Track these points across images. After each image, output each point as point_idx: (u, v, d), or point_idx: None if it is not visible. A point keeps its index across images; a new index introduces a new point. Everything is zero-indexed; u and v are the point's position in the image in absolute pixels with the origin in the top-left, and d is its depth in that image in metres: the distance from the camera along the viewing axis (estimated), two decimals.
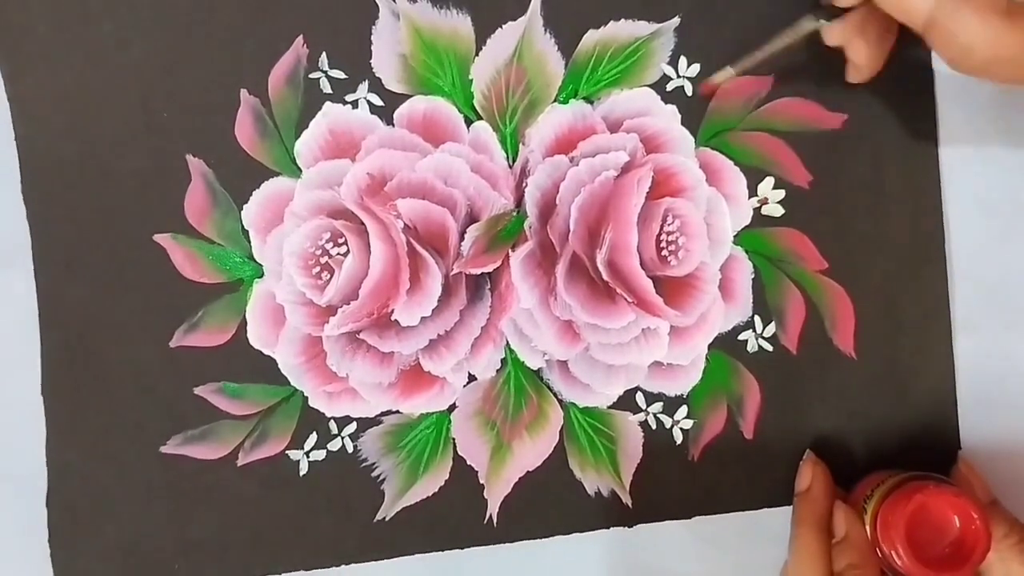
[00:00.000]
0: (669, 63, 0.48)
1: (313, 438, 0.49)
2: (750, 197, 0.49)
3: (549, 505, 0.49)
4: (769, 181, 0.49)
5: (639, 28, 0.48)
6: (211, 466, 0.48)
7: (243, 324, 0.48)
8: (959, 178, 0.50)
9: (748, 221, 0.49)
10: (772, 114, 0.49)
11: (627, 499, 0.49)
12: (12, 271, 0.48)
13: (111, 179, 0.48)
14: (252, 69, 0.48)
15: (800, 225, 0.49)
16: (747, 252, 0.49)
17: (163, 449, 0.48)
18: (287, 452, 0.48)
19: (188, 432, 0.48)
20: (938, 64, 0.49)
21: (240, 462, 0.48)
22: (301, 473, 0.49)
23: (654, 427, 0.49)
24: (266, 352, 0.48)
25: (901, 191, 0.49)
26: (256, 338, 0.48)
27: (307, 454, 0.48)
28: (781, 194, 0.49)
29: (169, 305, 0.48)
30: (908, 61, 0.48)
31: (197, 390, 0.48)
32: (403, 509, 0.49)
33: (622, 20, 0.48)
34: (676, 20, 0.48)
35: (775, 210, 0.49)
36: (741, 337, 0.49)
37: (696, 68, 0.48)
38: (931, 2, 0.40)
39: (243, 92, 0.48)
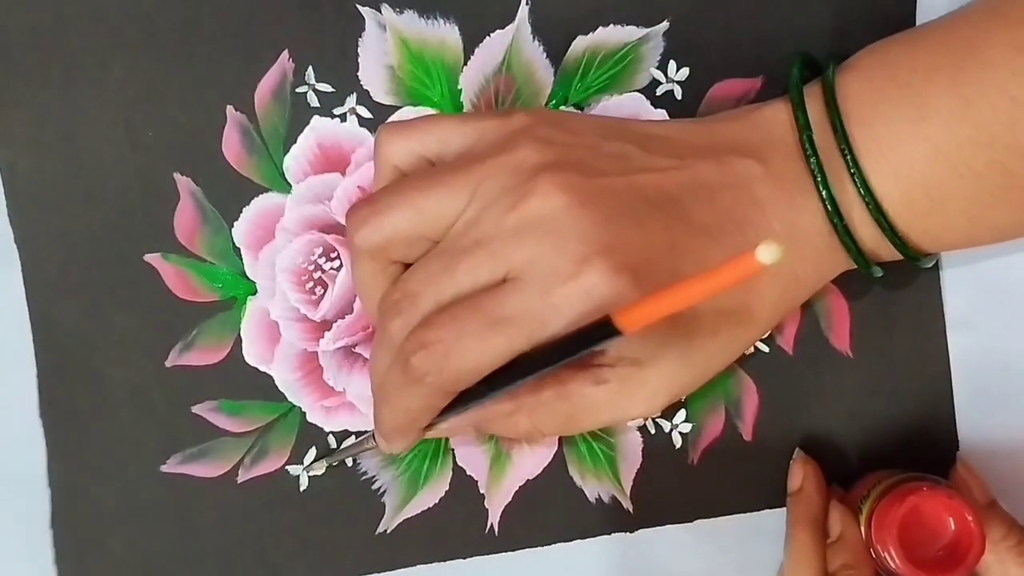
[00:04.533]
0: (658, 67, 0.50)
1: (312, 453, 0.51)
2: None
3: (550, 513, 0.51)
4: None
5: (628, 33, 0.50)
6: (212, 484, 0.50)
7: (238, 341, 0.50)
8: None
9: None
10: None
11: (628, 504, 0.52)
12: (13, 269, 0.49)
13: (98, 201, 0.49)
14: (237, 85, 0.49)
15: None
16: None
17: (163, 468, 0.50)
18: (287, 467, 0.51)
19: (187, 450, 0.50)
20: None
21: (240, 479, 0.50)
22: (301, 488, 0.51)
23: (653, 432, 0.52)
24: (262, 369, 0.50)
25: None
26: (252, 355, 0.50)
27: (307, 469, 0.51)
28: None
29: (163, 325, 0.50)
30: None
31: (195, 408, 0.50)
32: (404, 521, 0.51)
33: (611, 25, 0.50)
34: (665, 24, 0.50)
35: None
36: None
37: (686, 72, 0.50)
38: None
39: (229, 108, 0.49)
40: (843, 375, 0.52)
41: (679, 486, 0.52)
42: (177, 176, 0.49)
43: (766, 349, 0.51)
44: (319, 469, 0.50)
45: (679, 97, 0.50)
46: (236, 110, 0.49)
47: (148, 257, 0.50)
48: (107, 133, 0.49)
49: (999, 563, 0.46)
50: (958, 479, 0.50)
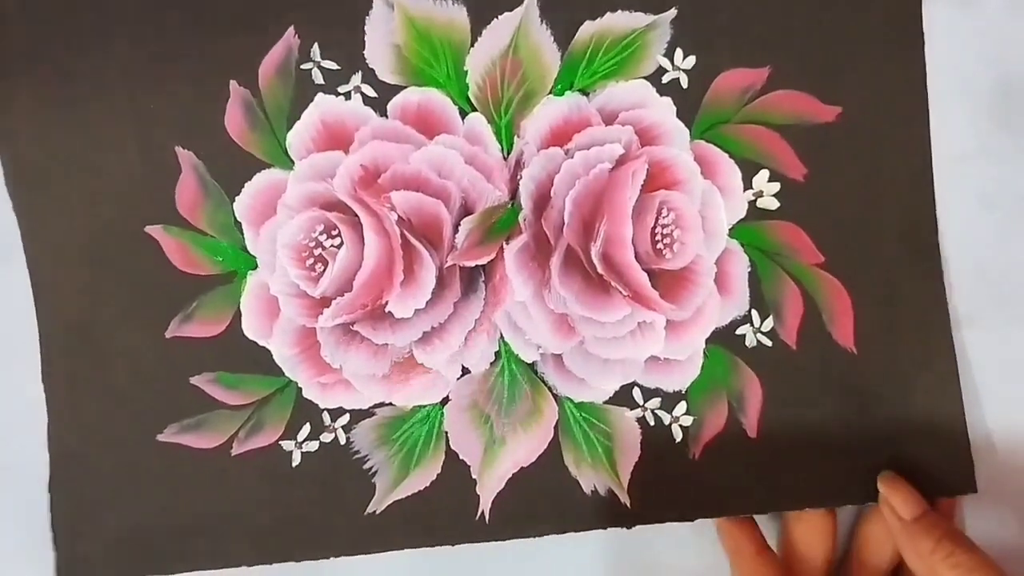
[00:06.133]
0: (665, 55, 0.50)
1: (306, 429, 0.51)
2: (745, 190, 0.51)
3: (544, 503, 0.51)
4: (764, 174, 0.51)
5: (635, 20, 0.50)
6: (206, 455, 0.51)
7: (237, 315, 0.51)
8: (960, 172, 0.51)
9: (743, 214, 0.51)
10: (767, 107, 0.51)
11: (625, 499, 0.51)
12: (11, 264, 0.51)
13: (101, 172, 0.50)
14: (242, 60, 0.50)
15: (795, 218, 0.51)
16: (743, 245, 0.51)
17: (160, 437, 0.51)
18: (280, 442, 0.51)
19: (184, 421, 0.51)
20: (932, 56, 0.51)
21: (234, 451, 0.51)
22: (294, 464, 0.51)
23: (652, 424, 0.51)
24: (261, 343, 0.51)
25: (895, 184, 0.51)
26: (251, 329, 0.51)
27: (300, 445, 0.51)
28: (776, 187, 0.51)
29: (164, 296, 0.51)
30: (901, 54, 0.51)
31: (193, 380, 0.51)
32: (394, 503, 0.51)
33: (619, 12, 0.50)
34: (673, 12, 0.50)
35: (770, 203, 0.51)
36: (739, 332, 0.51)
37: (692, 60, 0.50)
38: None
39: (232, 83, 0.50)
40: (847, 371, 0.51)
41: (679, 482, 0.51)
42: (179, 150, 0.50)
43: (769, 343, 0.51)
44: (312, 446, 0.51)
45: (685, 85, 0.51)
46: (240, 85, 0.50)
47: (149, 229, 0.51)
48: (111, 105, 0.51)
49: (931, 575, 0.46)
50: (881, 500, 0.49)
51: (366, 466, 0.51)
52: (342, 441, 0.51)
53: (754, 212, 0.51)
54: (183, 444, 0.51)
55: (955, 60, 0.51)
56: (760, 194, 0.51)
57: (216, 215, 0.51)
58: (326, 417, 0.51)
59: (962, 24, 0.51)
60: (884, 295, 0.51)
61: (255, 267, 0.51)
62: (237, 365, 0.51)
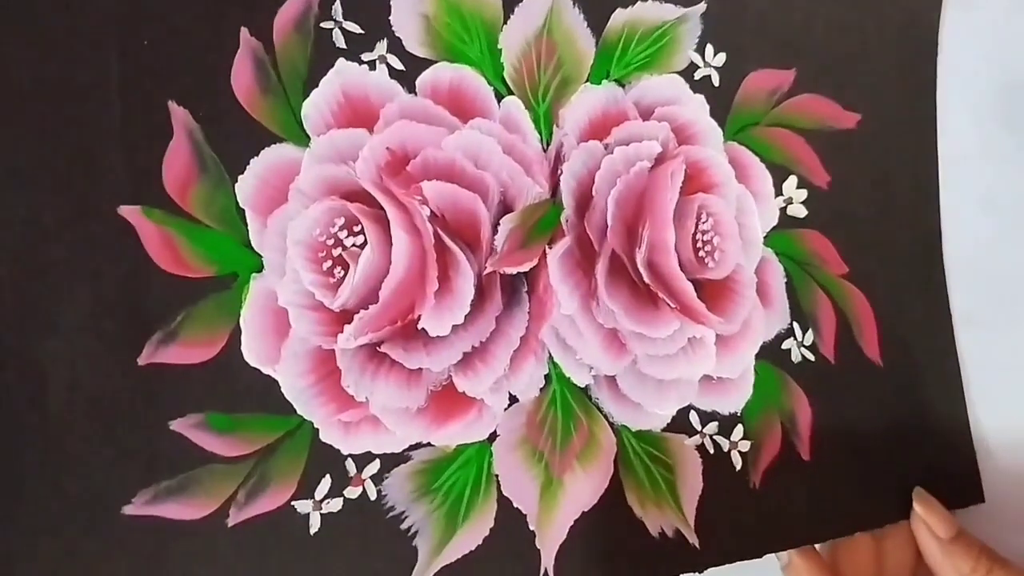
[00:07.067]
0: (696, 50, 0.48)
1: (326, 483, 0.39)
2: (776, 196, 0.49)
3: (610, 551, 0.43)
4: (793, 180, 0.49)
5: (666, 11, 0.47)
6: (194, 528, 0.37)
7: (236, 333, 0.39)
8: (961, 173, 0.52)
9: (775, 222, 0.48)
10: (793, 110, 0.49)
11: (694, 539, 0.44)
12: None
13: (65, 120, 0.37)
14: (255, 6, 0.40)
15: (821, 227, 0.49)
16: (777, 255, 0.48)
17: (127, 509, 0.37)
18: (293, 503, 0.39)
19: (161, 483, 0.37)
20: (941, 63, 0.52)
21: (232, 521, 0.38)
22: (312, 530, 0.39)
23: (712, 451, 0.45)
24: (265, 371, 0.39)
25: (904, 193, 0.51)
26: (253, 352, 0.39)
27: (319, 504, 0.39)
28: (804, 194, 0.49)
29: (138, 306, 0.37)
30: (915, 62, 0.52)
31: (173, 424, 0.38)
32: (442, 569, 0.40)
33: (649, 1, 0.47)
34: (702, 6, 0.48)
35: (799, 211, 0.49)
36: (784, 346, 0.47)
37: (722, 57, 0.48)
38: None
39: (244, 32, 0.40)
40: (877, 386, 0.49)
41: (743, 515, 0.46)
42: (172, 105, 0.39)
43: (812, 358, 0.48)
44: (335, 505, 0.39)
45: (716, 83, 0.48)
46: (251, 35, 0.40)
47: (124, 210, 0.38)
48: (90, 28, 0.38)
49: None
50: (915, 519, 0.48)
51: (404, 525, 0.40)
52: (372, 496, 0.40)
53: (785, 220, 0.48)
54: (161, 516, 0.37)
55: (957, 61, 0.53)
56: (790, 201, 0.49)
57: (213, 197, 0.39)
58: (351, 466, 0.40)
59: (964, 25, 0.53)
60: (896, 305, 0.50)
61: (260, 269, 0.39)
62: (234, 402, 0.38)
